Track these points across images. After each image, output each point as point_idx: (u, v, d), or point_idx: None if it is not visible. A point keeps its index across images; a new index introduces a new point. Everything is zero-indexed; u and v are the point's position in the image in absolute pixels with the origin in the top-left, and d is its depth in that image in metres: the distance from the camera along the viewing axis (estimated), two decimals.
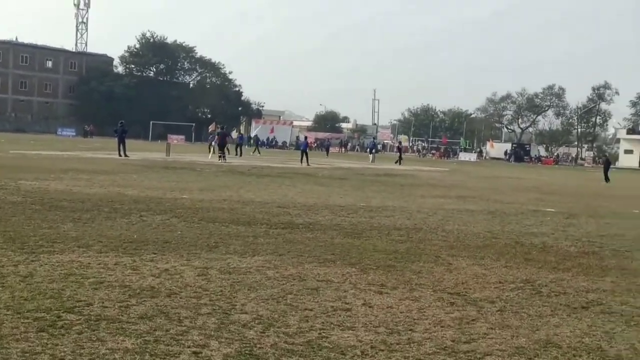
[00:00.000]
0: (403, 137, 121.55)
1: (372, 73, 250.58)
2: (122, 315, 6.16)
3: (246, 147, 60.00)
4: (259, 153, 55.46)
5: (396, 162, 52.29)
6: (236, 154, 46.36)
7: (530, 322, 6.82)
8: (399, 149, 58.79)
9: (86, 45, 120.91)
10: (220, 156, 38.86)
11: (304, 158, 41.36)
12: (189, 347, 5.42)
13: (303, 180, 26.11)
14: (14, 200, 14.16)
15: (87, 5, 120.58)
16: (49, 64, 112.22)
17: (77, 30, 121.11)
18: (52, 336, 5.46)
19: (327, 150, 74.31)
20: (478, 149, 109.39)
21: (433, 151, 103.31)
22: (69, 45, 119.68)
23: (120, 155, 36.25)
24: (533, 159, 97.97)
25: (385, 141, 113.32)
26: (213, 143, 42.82)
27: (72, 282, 7.30)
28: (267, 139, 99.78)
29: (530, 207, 19.91)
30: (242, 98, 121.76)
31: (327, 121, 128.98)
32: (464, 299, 7.65)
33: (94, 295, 6.79)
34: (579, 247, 12.28)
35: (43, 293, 6.76)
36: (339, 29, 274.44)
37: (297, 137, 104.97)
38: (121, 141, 37.39)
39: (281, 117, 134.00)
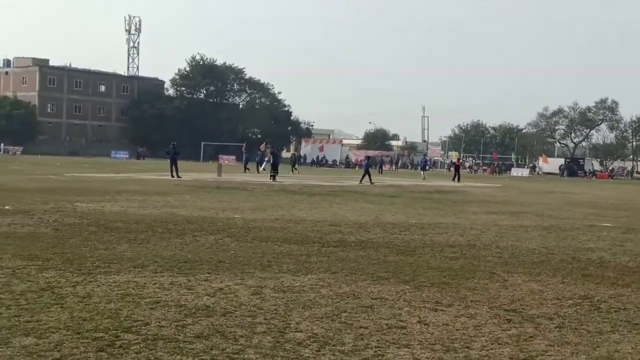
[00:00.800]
0: (454, 154, 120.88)
1: (422, 90, 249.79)
2: (178, 335, 6.21)
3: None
4: (297, 172, 54.65)
5: (453, 179, 51.34)
6: (258, 171, 46.73)
7: (590, 339, 6.68)
8: (456, 166, 56.42)
9: (138, 69, 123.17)
10: (272, 176, 39.05)
11: (367, 176, 41.21)
12: None
13: (354, 198, 26.08)
14: (71, 222, 14.41)
15: (138, 30, 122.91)
16: (102, 88, 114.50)
17: (128, 54, 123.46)
18: (111, 356, 5.53)
19: (380, 168, 73.99)
20: (530, 164, 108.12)
21: (484, 167, 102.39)
22: (121, 70, 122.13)
23: (172, 177, 36.68)
24: (587, 173, 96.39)
25: (435, 158, 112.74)
26: (264, 164, 44.63)
27: (129, 302, 7.39)
28: (317, 157, 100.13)
29: (585, 222, 19.57)
30: (292, 117, 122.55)
31: (377, 139, 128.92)
32: (521, 315, 7.54)
33: (150, 315, 6.86)
34: (638, 262, 12.01)
35: (101, 313, 6.86)
36: (386, 46, 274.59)
37: (347, 156, 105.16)
38: (173, 162, 37.84)
39: (330, 136, 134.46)
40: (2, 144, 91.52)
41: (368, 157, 47.21)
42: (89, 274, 8.87)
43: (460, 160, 60.54)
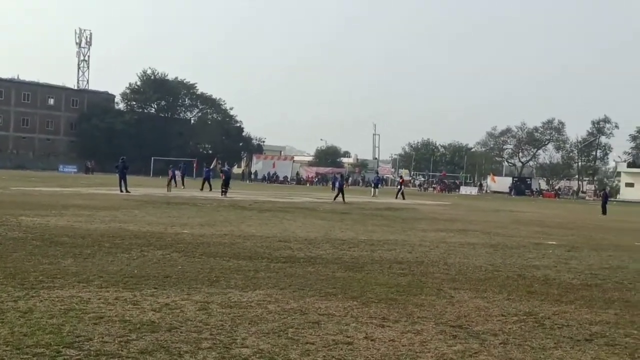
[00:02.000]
0: (404, 172, 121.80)
1: (372, 107, 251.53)
2: (122, 350, 6.12)
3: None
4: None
5: (397, 197, 52.10)
6: (201, 189, 44.89)
7: (533, 355, 6.76)
8: (400, 183, 58.50)
9: (87, 82, 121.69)
10: (222, 192, 38.88)
11: (340, 195, 41.03)
12: None
13: (304, 215, 26.07)
14: (15, 236, 14.13)
15: (89, 43, 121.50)
16: (51, 101, 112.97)
17: (78, 68, 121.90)
18: None
19: (334, 185, 73.98)
20: (479, 183, 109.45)
21: (434, 185, 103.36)
22: (71, 83, 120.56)
23: (121, 191, 36.26)
24: (534, 192, 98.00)
25: (386, 176, 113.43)
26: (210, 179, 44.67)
27: (72, 317, 7.26)
28: (269, 173, 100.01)
29: (532, 240, 19.85)
30: (243, 134, 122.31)
31: (329, 156, 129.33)
32: (467, 331, 7.59)
33: (94, 330, 6.74)
34: (582, 279, 12.22)
35: (43, 328, 6.72)
36: (340, 63, 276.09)
37: (298, 173, 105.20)
38: (122, 177, 37.41)
39: (282, 152, 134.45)
40: None
41: (342, 175, 47.34)
42: (32, 288, 8.70)
43: (404, 179, 61.64)
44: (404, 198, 50.73)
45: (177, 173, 49.94)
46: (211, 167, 50.54)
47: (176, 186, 46.58)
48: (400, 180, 58.45)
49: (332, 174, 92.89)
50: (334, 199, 40.78)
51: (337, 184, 44.10)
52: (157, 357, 5.98)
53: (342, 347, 6.65)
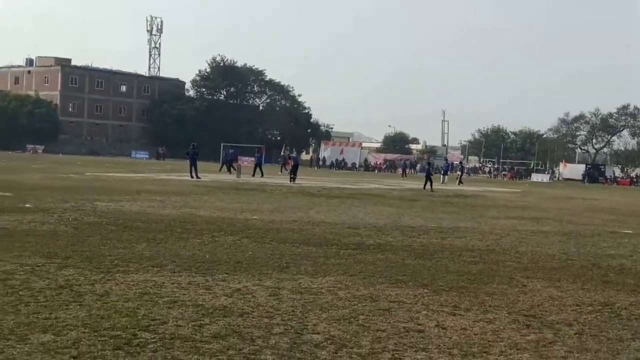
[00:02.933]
0: (473, 158, 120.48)
1: (442, 94, 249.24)
2: (195, 334, 6.21)
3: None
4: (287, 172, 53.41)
5: (458, 183, 51.89)
6: (253, 175, 44.71)
7: (610, 346, 6.61)
8: (461, 169, 58.32)
9: (159, 69, 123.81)
10: (291, 178, 39.10)
11: (429, 183, 39.25)
12: None
13: (373, 202, 26.03)
14: (91, 221, 14.48)
15: (160, 31, 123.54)
16: (123, 88, 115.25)
17: (150, 55, 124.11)
18: (128, 354, 5.54)
19: (404, 172, 73.70)
20: (551, 170, 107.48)
21: (504, 172, 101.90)
22: (143, 70, 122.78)
23: (192, 177, 36.78)
24: (608, 180, 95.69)
25: (455, 162, 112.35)
26: (285, 166, 44.68)
27: (147, 301, 7.40)
28: (337, 160, 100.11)
29: (606, 228, 19.41)
30: (312, 120, 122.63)
31: (396, 142, 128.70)
32: (540, 321, 7.47)
33: (168, 314, 6.86)
34: None
35: (119, 311, 6.87)
36: (409, 50, 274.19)
37: (366, 159, 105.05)
38: (193, 163, 37.94)
39: (350, 139, 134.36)
40: (27, 145, 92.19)
41: (429, 164, 45.23)
42: (108, 272, 8.90)
43: (463, 165, 61.63)
44: (459, 182, 51.32)
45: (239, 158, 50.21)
46: (281, 153, 51.05)
47: (229, 172, 46.67)
48: (461, 166, 58.28)
49: (401, 161, 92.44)
50: (424, 187, 38.92)
51: (426, 172, 42.01)
52: (230, 341, 6.05)
53: (414, 335, 6.61)
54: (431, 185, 39.25)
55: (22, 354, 5.41)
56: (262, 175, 43.82)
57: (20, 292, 7.48)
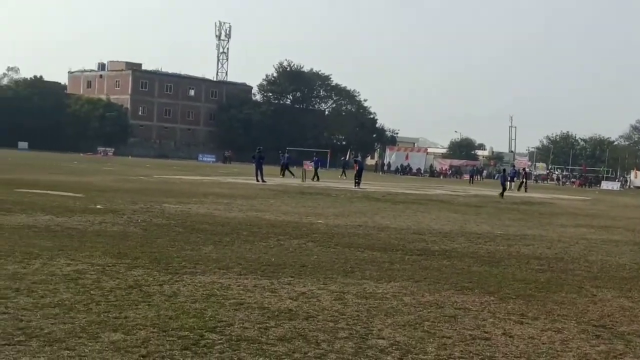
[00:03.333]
0: (541, 165, 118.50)
1: (510, 99, 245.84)
2: (261, 337, 6.26)
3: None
4: (345, 176, 53.42)
5: (519, 189, 51.01)
6: (282, 175, 46.16)
7: None
8: (525, 176, 56.95)
9: (226, 74, 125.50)
10: (356, 182, 39.08)
11: (502, 191, 38.21)
12: None
13: (438, 207, 25.84)
14: (159, 223, 14.73)
15: (228, 36, 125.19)
16: (192, 92, 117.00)
17: (218, 60, 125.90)
18: (195, 354, 5.62)
19: (471, 178, 72.95)
20: (622, 178, 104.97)
21: (573, 179, 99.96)
22: (210, 75, 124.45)
23: (257, 181, 37.08)
24: None
25: (520, 169, 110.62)
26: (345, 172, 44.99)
27: (214, 302, 7.49)
28: (402, 165, 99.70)
29: None
30: (377, 125, 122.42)
31: (462, 148, 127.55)
32: (610, 332, 7.31)
33: (234, 316, 6.93)
34: None
35: (186, 312, 6.97)
36: (473, 58, 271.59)
37: (432, 165, 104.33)
38: (259, 167, 38.25)
39: (415, 144, 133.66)
40: (98, 147, 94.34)
41: (504, 170, 43.86)
42: (176, 273, 9.04)
43: (527, 171, 60.29)
44: (518, 189, 50.42)
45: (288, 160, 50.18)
46: (341, 158, 51.26)
47: (282, 176, 46.77)
48: (524, 172, 57.21)
49: (469, 167, 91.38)
50: (501, 195, 37.60)
51: (500, 180, 40.91)
52: (296, 344, 6.08)
53: (480, 343, 6.54)
54: (503, 192, 38.40)
55: (93, 352, 5.53)
56: (318, 179, 44.24)
57: (92, 292, 7.65)
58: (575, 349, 6.55)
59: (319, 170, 47.16)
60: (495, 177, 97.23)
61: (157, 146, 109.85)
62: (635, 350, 6.64)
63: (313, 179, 44.34)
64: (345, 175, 54.03)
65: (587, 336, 7.07)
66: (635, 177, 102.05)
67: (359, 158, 44.87)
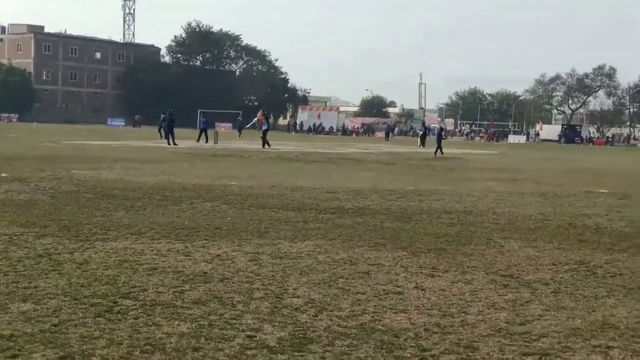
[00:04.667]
0: (450, 121, 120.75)
1: (418, 56, 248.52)
2: (176, 301, 6.23)
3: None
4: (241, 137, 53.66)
5: (419, 145, 51.49)
6: (198, 140, 42.58)
7: (585, 304, 6.71)
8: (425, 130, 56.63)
9: (134, 36, 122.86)
10: (265, 142, 38.60)
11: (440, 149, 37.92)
12: (243, 330, 5.45)
13: (351, 166, 26.09)
14: (68, 190, 14.40)
15: None
16: (98, 55, 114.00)
17: (124, 21, 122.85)
18: (109, 321, 5.55)
19: (387, 135, 73.60)
20: (527, 131, 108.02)
21: (481, 134, 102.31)
22: (117, 37, 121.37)
23: (169, 144, 36.61)
24: (584, 140, 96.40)
25: (432, 125, 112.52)
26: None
27: (127, 268, 7.40)
28: (314, 124, 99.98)
29: (582, 188, 19.58)
30: (289, 85, 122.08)
31: (374, 106, 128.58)
32: (517, 281, 7.56)
33: (148, 281, 6.87)
34: (635, 227, 12.04)
35: (99, 279, 6.87)
36: (383, 11, 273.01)
37: (344, 124, 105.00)
38: (169, 130, 37.73)
39: (327, 103, 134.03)
40: (1, 114, 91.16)
41: (442, 129, 43.52)
42: (86, 240, 8.88)
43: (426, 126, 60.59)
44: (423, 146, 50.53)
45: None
46: (256, 119, 50.54)
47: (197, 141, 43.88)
48: (423, 128, 57.75)
49: (385, 124, 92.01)
50: (435, 153, 37.54)
51: (437, 138, 40.42)
52: (211, 307, 6.07)
53: (393, 297, 6.68)
54: (441, 150, 38.06)
55: (2, 322, 5.40)
56: (207, 141, 41.91)
57: None
58: (484, 298, 6.76)
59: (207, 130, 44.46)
60: (411, 134, 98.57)
61: (63, 111, 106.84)
62: (540, 297, 6.89)
63: (199, 140, 42.34)
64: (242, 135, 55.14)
65: (495, 286, 7.30)
66: (541, 129, 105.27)
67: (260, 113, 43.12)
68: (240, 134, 56.17)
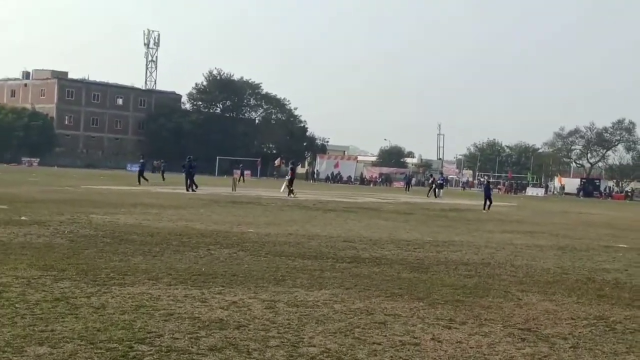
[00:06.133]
0: (468, 172, 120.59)
1: (438, 108, 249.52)
2: (192, 347, 6.22)
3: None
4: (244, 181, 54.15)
5: (428, 195, 51.68)
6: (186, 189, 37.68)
7: None
8: (432, 182, 56.50)
9: (155, 83, 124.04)
10: (290, 191, 38.55)
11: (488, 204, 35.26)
12: None
13: (368, 215, 26.06)
14: (86, 234, 14.48)
15: (157, 44, 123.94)
16: (120, 101, 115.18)
17: (146, 68, 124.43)
18: None
19: (407, 185, 73.54)
20: (546, 184, 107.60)
21: (499, 186, 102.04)
22: (139, 83, 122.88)
23: (187, 190, 36.70)
24: (603, 194, 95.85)
25: (450, 176, 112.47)
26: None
27: (143, 313, 7.41)
28: (332, 173, 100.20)
29: (601, 243, 19.45)
30: (307, 133, 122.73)
31: (392, 156, 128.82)
32: (536, 335, 7.49)
33: (164, 327, 6.87)
34: None
35: (115, 324, 6.87)
36: (402, 65, 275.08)
37: (362, 173, 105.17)
38: (189, 176, 37.86)
39: (346, 152, 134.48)
40: (23, 158, 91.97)
41: (489, 182, 41.11)
42: (104, 285, 8.90)
43: (435, 178, 60.79)
44: (435, 196, 50.98)
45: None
46: (275, 165, 50.58)
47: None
48: (432, 179, 57.97)
49: (404, 175, 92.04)
50: (484, 208, 35.08)
51: (484, 191, 37.31)
52: (227, 354, 6.06)
53: (409, 348, 6.63)
54: (490, 204, 35.43)
55: None
56: (196, 188, 38.06)
57: (17, 305, 7.48)
58: (501, 352, 6.70)
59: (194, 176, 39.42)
60: (424, 185, 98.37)
61: (84, 156, 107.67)
62: (558, 352, 6.82)
63: (188, 189, 37.65)
64: (244, 181, 55.34)
65: (513, 339, 7.23)
66: (560, 182, 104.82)
67: (294, 166, 43.23)
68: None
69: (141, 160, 46.23)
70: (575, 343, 7.21)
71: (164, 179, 45.02)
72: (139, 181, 42.91)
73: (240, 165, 75.42)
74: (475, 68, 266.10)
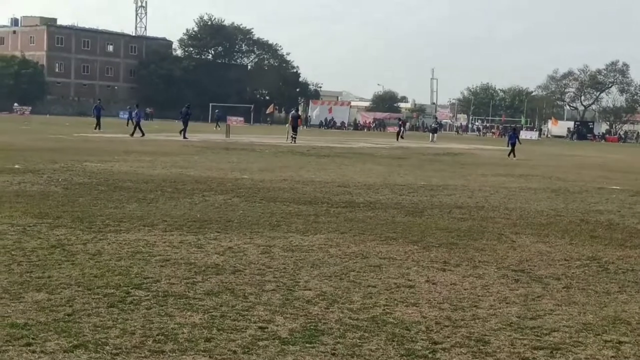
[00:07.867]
0: (462, 116, 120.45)
1: (431, 52, 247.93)
2: (188, 292, 6.26)
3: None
4: (220, 128, 53.97)
5: (397, 139, 52.24)
6: (133, 134, 37.59)
7: (597, 299, 6.71)
8: (400, 125, 57.60)
9: (145, 29, 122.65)
10: (293, 137, 38.72)
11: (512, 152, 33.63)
12: (254, 322, 5.48)
13: (362, 160, 26.08)
14: (81, 182, 14.47)
15: None
16: (110, 48, 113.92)
17: (136, 14, 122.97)
18: (122, 311, 5.59)
19: (400, 134, 73.34)
20: (539, 127, 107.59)
21: (493, 130, 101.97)
22: (129, 30, 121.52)
23: (184, 137, 36.54)
24: (597, 136, 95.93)
25: (444, 120, 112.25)
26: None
27: (139, 259, 7.45)
28: (326, 119, 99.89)
29: (594, 184, 19.53)
30: (300, 79, 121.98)
31: (386, 101, 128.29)
32: (529, 276, 7.57)
33: (160, 273, 6.91)
34: None
35: (112, 270, 6.91)
36: (395, 10, 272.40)
37: (355, 118, 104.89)
38: (185, 123, 37.75)
39: (339, 98, 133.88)
40: (16, 104, 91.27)
41: (514, 129, 39.29)
42: (99, 232, 8.93)
43: (403, 121, 61.15)
44: (401, 138, 52.33)
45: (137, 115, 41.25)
46: (267, 112, 50.57)
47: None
48: (400, 122, 58.03)
49: (397, 120, 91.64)
50: (508, 155, 33.37)
51: (509, 139, 35.49)
52: (223, 298, 6.11)
53: (404, 290, 6.69)
54: (514, 153, 33.71)
55: (16, 312, 5.45)
56: (143, 135, 37.40)
57: (13, 252, 7.50)
58: (495, 293, 6.77)
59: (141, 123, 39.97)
60: (418, 130, 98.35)
61: (75, 104, 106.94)
62: (551, 292, 6.89)
63: (133, 134, 37.45)
64: (220, 127, 55.10)
65: (507, 281, 7.30)
66: (553, 125, 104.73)
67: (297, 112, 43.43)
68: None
69: (136, 110, 42.65)
70: (568, 283, 7.28)
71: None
72: (142, 131, 37.99)
73: (216, 110, 73.85)
74: (470, 9, 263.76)
